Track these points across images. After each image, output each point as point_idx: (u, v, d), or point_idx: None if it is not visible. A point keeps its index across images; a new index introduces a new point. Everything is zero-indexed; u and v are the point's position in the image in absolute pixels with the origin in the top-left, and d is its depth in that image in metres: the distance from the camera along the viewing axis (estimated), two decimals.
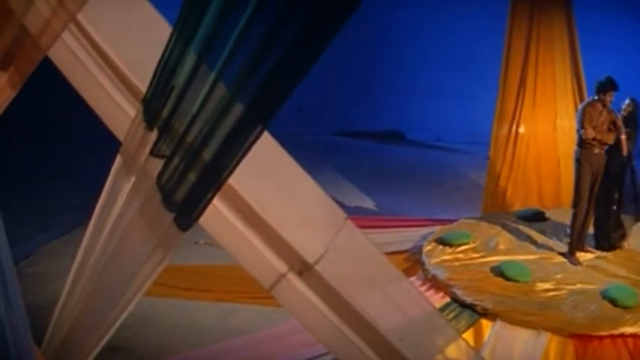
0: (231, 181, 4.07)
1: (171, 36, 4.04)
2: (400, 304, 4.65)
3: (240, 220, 4.34)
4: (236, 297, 9.69)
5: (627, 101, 10.26)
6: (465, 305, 8.98)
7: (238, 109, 3.66)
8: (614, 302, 8.91)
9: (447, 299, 9.20)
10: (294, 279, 4.38)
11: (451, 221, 11.62)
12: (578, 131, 10.15)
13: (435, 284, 9.56)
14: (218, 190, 4.00)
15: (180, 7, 3.99)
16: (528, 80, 12.50)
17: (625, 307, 8.80)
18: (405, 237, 11.50)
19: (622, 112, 10.20)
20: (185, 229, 4.25)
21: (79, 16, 4.30)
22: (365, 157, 17.71)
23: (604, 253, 10.37)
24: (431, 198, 14.34)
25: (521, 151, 12.62)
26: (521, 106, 12.56)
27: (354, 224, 4.48)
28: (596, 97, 10.03)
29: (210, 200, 4.05)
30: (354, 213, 12.86)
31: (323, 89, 17.29)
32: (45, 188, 13.89)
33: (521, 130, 12.58)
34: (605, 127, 9.97)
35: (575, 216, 10.23)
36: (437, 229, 11.24)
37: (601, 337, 8.37)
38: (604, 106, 9.98)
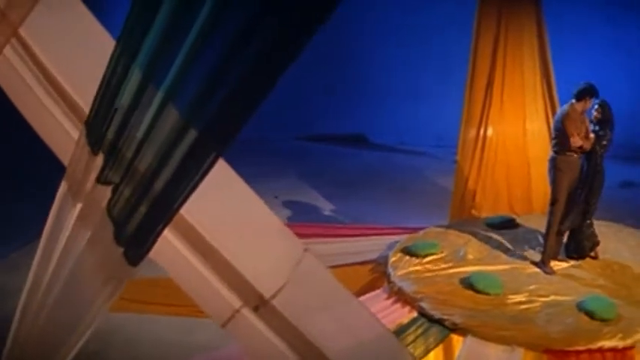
0: (183, 210, 3.85)
1: (115, 51, 3.80)
2: (362, 338, 4.45)
3: (192, 252, 4.18)
4: (201, 311, 9.17)
5: (597, 107, 9.84)
6: (433, 320, 8.56)
7: (191, 134, 3.40)
8: (591, 315, 8.55)
9: (415, 314, 8.80)
10: (249, 315, 4.20)
11: (418, 229, 11.24)
12: (554, 138, 9.86)
13: (402, 297, 9.16)
14: (169, 221, 3.78)
15: (126, 17, 3.67)
16: (496, 82, 12.16)
17: (603, 320, 8.44)
18: (369, 246, 11.14)
19: (593, 118, 9.83)
20: (135, 264, 4.03)
21: (21, 30, 4.06)
22: (328, 162, 17.52)
23: (579, 262, 10.05)
24: (397, 204, 14.16)
25: (489, 155, 12.28)
26: (489, 108, 12.22)
27: (313, 255, 4.30)
28: (573, 102, 9.70)
29: (160, 232, 3.82)
30: (318, 221, 12.91)
31: (283, 93, 16.79)
32: (1, 199, 13.55)
33: (490, 132, 12.24)
34: (582, 135, 9.68)
35: (550, 224, 9.91)
36: (403, 238, 10.84)
37: (578, 352, 8.02)
38: (581, 113, 9.71)
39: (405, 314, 8.82)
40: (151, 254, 4.01)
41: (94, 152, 4.02)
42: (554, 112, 11.52)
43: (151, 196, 3.73)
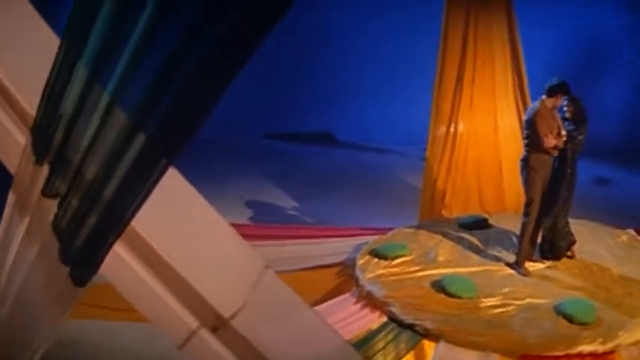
0: (135, 225, 3.56)
1: (59, 50, 3.57)
2: (324, 355, 4.18)
3: (145, 269, 3.89)
4: None
5: (568, 103, 9.63)
6: (404, 325, 8.36)
7: (139, 140, 3.12)
8: (569, 318, 8.34)
9: (385, 319, 8.56)
10: (206, 336, 3.91)
11: (386, 230, 10.98)
12: (526, 137, 9.63)
13: (371, 302, 8.90)
14: (118, 236, 3.47)
15: (70, 12, 3.43)
16: (466, 78, 11.92)
17: (582, 324, 8.26)
18: (336, 248, 10.85)
19: (565, 115, 9.62)
20: (81, 285, 3.76)
21: None
22: (295, 160, 17.23)
23: (555, 263, 9.83)
24: (365, 203, 13.80)
25: (459, 153, 12.03)
26: (459, 105, 11.99)
27: (273, 273, 4.02)
28: (544, 98, 9.48)
29: (109, 248, 3.52)
30: (283, 222, 12.56)
31: (248, 90, 16.62)
32: None
33: (460, 129, 11.99)
34: (555, 132, 9.47)
35: (525, 224, 9.69)
36: (371, 240, 10.56)
37: (556, 358, 7.84)
38: (552, 109, 9.50)
39: (374, 319, 8.60)
40: (103, 271, 3.75)
41: (40, 162, 3.78)
42: (525, 108, 11.26)
43: (98, 208, 3.45)
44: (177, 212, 3.96)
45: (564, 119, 9.60)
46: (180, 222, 3.96)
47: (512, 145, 11.43)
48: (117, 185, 3.30)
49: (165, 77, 2.96)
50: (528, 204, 9.66)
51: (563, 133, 9.43)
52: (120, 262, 3.82)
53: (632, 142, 16.27)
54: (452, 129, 12.00)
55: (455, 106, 11.94)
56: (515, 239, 10.06)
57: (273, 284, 4.00)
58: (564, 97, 9.48)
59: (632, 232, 10.85)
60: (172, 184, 3.61)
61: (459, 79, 11.90)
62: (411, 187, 13.59)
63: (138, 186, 3.23)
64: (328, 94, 18.53)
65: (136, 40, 3.01)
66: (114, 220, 3.41)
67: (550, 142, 9.33)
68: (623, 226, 11.10)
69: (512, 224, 10.36)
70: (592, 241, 10.45)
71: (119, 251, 3.76)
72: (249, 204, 13.73)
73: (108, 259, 3.60)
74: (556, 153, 9.44)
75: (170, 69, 2.92)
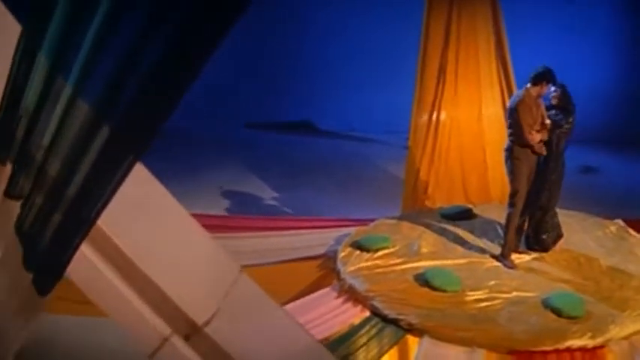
0: (105, 227, 3.59)
1: (19, 41, 3.40)
2: None
3: (116, 274, 3.81)
4: None
5: (555, 92, 9.45)
6: (387, 320, 8.17)
7: (103, 134, 3.06)
8: (558, 312, 8.17)
9: (367, 313, 8.38)
10: (179, 343, 3.84)
11: (368, 221, 10.74)
12: (510, 127, 9.43)
13: (353, 296, 8.69)
14: (83, 238, 3.39)
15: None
16: (449, 65, 11.68)
17: (571, 318, 8.09)
18: (317, 240, 10.57)
19: (551, 101, 9.47)
20: (44, 293, 3.68)
21: None
22: (276, 150, 17.00)
23: (541, 255, 9.64)
24: (346, 194, 13.66)
25: (442, 141, 11.78)
26: (442, 92, 11.74)
27: (248, 277, 4.01)
28: (529, 87, 9.26)
29: (74, 252, 3.44)
30: (264, 212, 12.42)
31: (228, 79, 17.08)
32: None
33: (443, 117, 11.75)
34: (538, 123, 9.27)
35: (511, 215, 9.47)
36: (353, 231, 10.33)
37: (544, 353, 7.68)
38: (537, 98, 9.28)
39: (356, 314, 8.43)
40: (72, 275, 3.69)
41: (2, 161, 3.62)
42: (510, 96, 10.95)
43: (62, 207, 3.35)
44: (147, 212, 3.84)
45: (550, 107, 9.42)
46: (150, 223, 3.84)
47: (496, 133, 11.20)
48: (81, 182, 3.22)
49: (126, 71, 2.90)
50: (513, 195, 9.45)
51: (547, 122, 9.26)
52: (87, 264, 3.71)
53: (618, 128, 16.21)
54: (434, 117, 11.76)
55: (438, 94, 11.71)
56: (500, 230, 9.87)
57: (247, 289, 3.91)
58: (549, 84, 9.27)
59: (620, 222, 10.67)
60: (141, 182, 3.52)
61: (442, 68, 11.67)
62: (394, 177, 13.46)
63: (103, 183, 3.15)
64: (309, 83, 18.35)
65: (96, 30, 2.92)
66: (79, 220, 3.33)
67: (535, 138, 9.16)
68: (611, 216, 10.93)
69: (497, 215, 10.18)
70: (580, 232, 10.26)
71: (86, 253, 3.65)
72: (229, 194, 13.56)
73: (74, 261, 3.47)
74: (542, 150, 9.25)
75: (131, 62, 2.86)
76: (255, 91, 18.21)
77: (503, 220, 9.69)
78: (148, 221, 3.83)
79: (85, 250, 3.59)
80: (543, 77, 9.20)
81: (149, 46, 2.81)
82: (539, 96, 9.28)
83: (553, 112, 9.37)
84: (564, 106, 9.36)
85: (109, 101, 3.03)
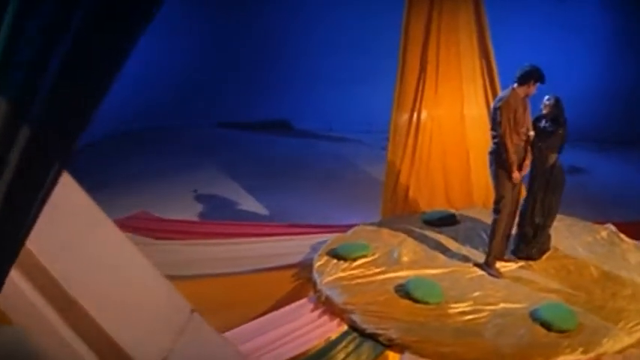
0: (42, 260, 3.26)
1: None
2: None
3: (56, 314, 3.43)
4: None
5: (548, 97, 9.09)
6: (366, 335, 7.84)
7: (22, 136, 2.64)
8: (547, 325, 7.83)
9: (345, 327, 8.05)
10: None
11: (346, 227, 10.43)
12: (493, 129, 9.01)
13: (330, 308, 8.35)
14: (10, 264, 2.93)
15: None
16: (429, 63, 11.27)
17: (561, 331, 7.74)
18: (293, 247, 10.29)
19: (542, 110, 9.10)
20: None
21: None
22: (251, 150, 16.82)
23: (528, 263, 9.30)
24: (323, 196, 13.36)
25: (423, 142, 11.38)
26: (422, 91, 11.33)
27: (201, 318, 3.65)
28: (515, 87, 8.85)
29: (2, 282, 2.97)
30: (237, 217, 12.23)
31: (201, 77, 17.30)
32: None
33: (424, 117, 11.34)
34: (524, 129, 8.92)
35: (496, 222, 9.09)
36: (330, 238, 10.01)
37: None
38: (523, 98, 8.88)
39: (333, 328, 8.08)
40: (7, 310, 3.31)
41: None
42: (494, 96, 10.76)
43: None
44: (94, 251, 3.52)
45: (541, 116, 9.08)
46: (98, 261, 3.52)
47: (480, 134, 10.79)
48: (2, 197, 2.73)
49: (44, 57, 2.55)
50: (498, 201, 9.08)
51: (531, 134, 8.94)
52: (24, 302, 3.39)
53: (607, 128, 16.12)
54: (415, 117, 11.36)
55: (418, 92, 11.30)
56: (485, 236, 9.54)
57: (199, 331, 3.54)
58: (537, 84, 8.84)
59: (612, 227, 10.34)
60: (87, 219, 3.24)
61: (423, 66, 11.27)
62: (373, 179, 13.12)
63: (26, 198, 2.73)
64: (286, 80, 18.23)
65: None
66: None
67: (517, 178, 8.87)
68: (600, 218, 10.73)
69: (482, 220, 9.95)
70: (569, 237, 9.95)
71: (24, 290, 3.36)
72: (203, 198, 13.26)
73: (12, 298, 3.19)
74: (517, 179, 8.90)
75: (47, 49, 2.52)
76: (229, 90, 18.13)
77: (487, 226, 9.39)
78: (93, 258, 3.51)
79: (21, 284, 3.29)
80: (530, 76, 8.79)
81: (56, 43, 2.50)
82: (526, 96, 8.89)
83: (543, 122, 9.04)
84: (555, 117, 9.01)
85: (26, 99, 2.63)
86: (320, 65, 17.84)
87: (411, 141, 11.30)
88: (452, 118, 11.40)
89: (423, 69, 11.25)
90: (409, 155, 11.28)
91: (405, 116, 11.33)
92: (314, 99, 18.18)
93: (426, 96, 11.32)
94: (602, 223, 10.50)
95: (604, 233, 10.14)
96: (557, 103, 9.00)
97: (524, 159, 8.94)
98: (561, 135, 8.97)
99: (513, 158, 8.75)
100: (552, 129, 8.94)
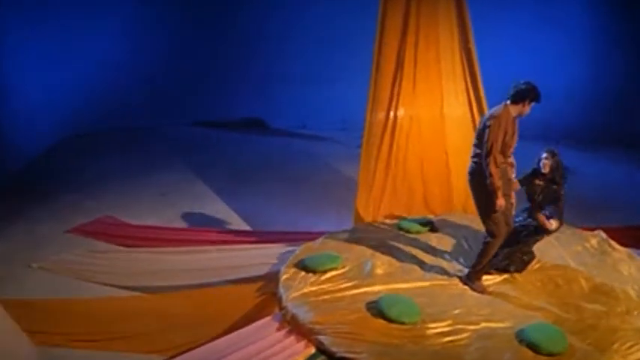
0: None
1: None
2: None
3: None
4: (65, 339, 8.07)
5: (545, 155, 8.45)
6: (335, 358, 7.16)
7: None
8: (535, 348, 7.14)
9: (312, 350, 7.37)
10: None
11: (316, 235, 9.82)
12: (477, 147, 8.24)
13: (296, 328, 7.65)
14: None
15: None
16: (407, 60, 10.70)
17: (550, 354, 7.08)
18: (260, 257, 9.70)
19: (542, 169, 8.44)
20: None
21: None
22: (223, 150, 16.65)
23: (512, 275, 8.67)
24: (294, 197, 13.01)
25: (400, 144, 10.80)
26: (399, 89, 10.74)
27: None
28: (508, 104, 8.07)
29: None
30: (209, 221, 11.79)
31: (176, 76, 17.49)
32: None
33: (400, 116, 10.75)
34: (511, 150, 8.20)
35: (488, 245, 8.33)
36: (299, 248, 9.36)
37: None
38: (515, 117, 8.11)
39: (300, 351, 7.43)
40: None
41: None
42: (476, 96, 10.47)
43: None
44: None
45: (538, 172, 8.45)
46: None
47: (460, 135, 10.30)
48: None
49: None
50: (490, 224, 8.31)
51: (517, 187, 8.40)
52: None
53: (594, 128, 15.96)
54: (391, 116, 10.77)
55: (395, 90, 10.72)
56: (465, 244, 9.02)
57: None
58: (532, 103, 8.09)
59: (602, 234, 9.78)
60: None
61: (400, 61, 10.69)
62: (347, 179, 12.80)
63: None
64: (260, 79, 18.31)
65: None
66: None
67: (501, 204, 8.05)
68: (586, 219, 10.48)
69: (463, 225, 9.48)
70: (557, 246, 9.35)
71: None
72: (170, 200, 12.85)
73: None
74: (501, 205, 8.12)
75: None
76: (205, 89, 18.27)
77: (468, 233, 8.99)
78: None
79: None
80: (526, 96, 8.02)
81: None
82: (519, 115, 8.11)
83: (537, 180, 8.49)
84: (553, 178, 8.43)
85: None
86: (295, 63, 17.92)
87: (386, 141, 10.75)
88: (430, 118, 10.85)
89: (399, 65, 10.70)
90: (384, 157, 10.75)
91: (381, 115, 10.77)
92: (289, 97, 18.23)
93: (403, 94, 10.77)
94: (591, 228, 10.02)
95: (594, 241, 9.60)
96: (557, 165, 8.43)
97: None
98: (557, 191, 8.46)
99: (499, 184, 8.00)
100: (557, 188, 8.45)
